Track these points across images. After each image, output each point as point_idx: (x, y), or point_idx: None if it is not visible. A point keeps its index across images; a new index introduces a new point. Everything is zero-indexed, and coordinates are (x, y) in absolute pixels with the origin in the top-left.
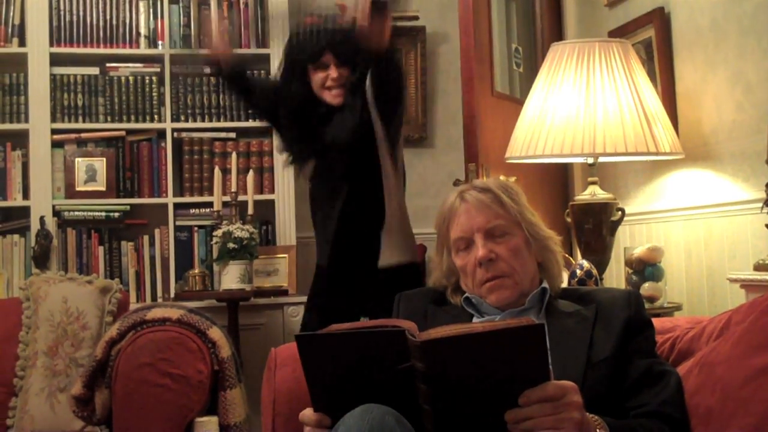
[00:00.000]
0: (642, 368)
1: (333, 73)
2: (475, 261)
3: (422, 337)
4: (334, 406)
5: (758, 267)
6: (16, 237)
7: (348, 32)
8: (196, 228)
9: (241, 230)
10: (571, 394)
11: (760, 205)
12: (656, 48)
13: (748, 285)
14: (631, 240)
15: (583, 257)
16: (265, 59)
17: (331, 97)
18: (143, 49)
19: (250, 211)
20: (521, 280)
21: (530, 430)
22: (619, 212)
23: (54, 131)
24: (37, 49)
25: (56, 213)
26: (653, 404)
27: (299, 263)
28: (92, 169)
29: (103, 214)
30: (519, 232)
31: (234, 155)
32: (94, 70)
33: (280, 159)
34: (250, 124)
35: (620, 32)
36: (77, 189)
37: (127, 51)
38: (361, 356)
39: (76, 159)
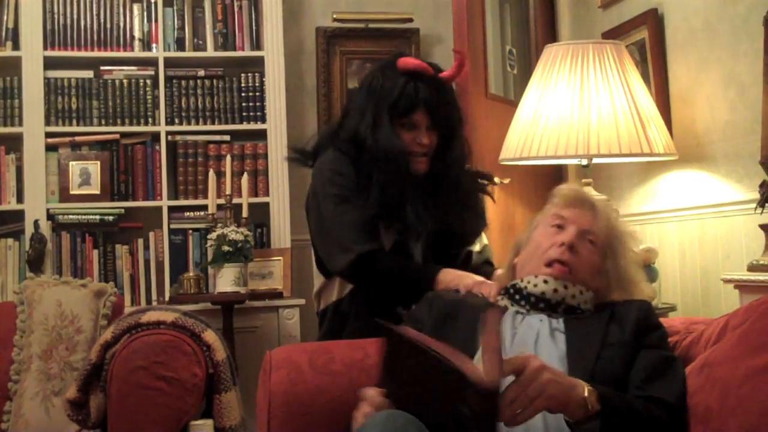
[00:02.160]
0: (652, 358)
1: (424, 137)
2: (558, 241)
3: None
4: (395, 398)
5: (752, 267)
6: (10, 241)
7: (448, 89)
8: (190, 231)
9: (235, 233)
10: (534, 376)
11: (754, 205)
12: (650, 49)
13: (742, 285)
14: None
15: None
16: (260, 62)
17: (417, 166)
18: (137, 53)
19: (245, 213)
20: (577, 283)
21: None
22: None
23: (48, 134)
24: (31, 52)
25: (50, 216)
26: (655, 390)
27: (294, 266)
28: (86, 173)
29: (98, 217)
30: (601, 256)
31: (228, 158)
32: (89, 74)
33: (274, 161)
34: (245, 126)
35: (614, 34)
36: (71, 192)
37: (122, 54)
38: (424, 371)
39: (71, 162)
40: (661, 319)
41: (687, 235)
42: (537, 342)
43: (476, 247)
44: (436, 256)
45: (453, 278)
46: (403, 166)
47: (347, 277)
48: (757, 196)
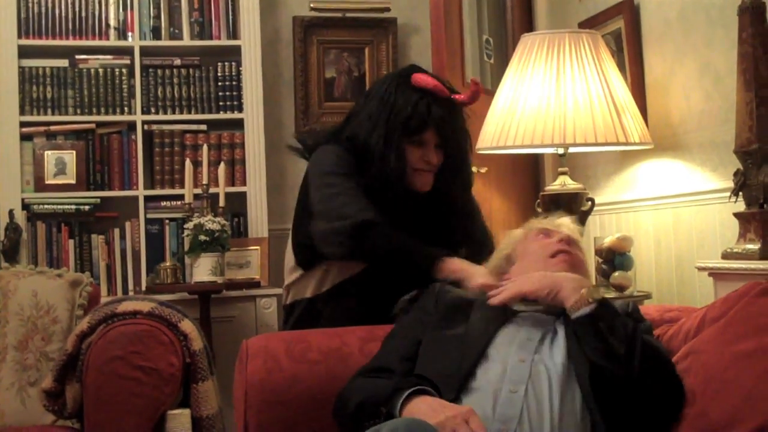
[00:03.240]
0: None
1: (432, 156)
2: (554, 239)
3: None
4: None
5: (726, 255)
6: None
7: (459, 111)
8: (167, 221)
9: (212, 222)
10: None
11: (728, 194)
12: (626, 39)
13: (716, 273)
14: (600, 229)
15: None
16: (237, 51)
17: (422, 183)
18: (113, 41)
19: (222, 203)
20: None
21: None
22: (589, 202)
23: (23, 124)
24: (5, 41)
25: (25, 206)
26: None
27: (271, 255)
28: (62, 162)
29: (73, 207)
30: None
31: (205, 147)
32: (63, 62)
33: (251, 151)
34: (221, 116)
35: (590, 23)
36: (47, 182)
37: (97, 43)
38: None
39: (46, 152)
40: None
41: (662, 224)
42: (544, 338)
43: None
44: None
45: (457, 270)
46: (399, 191)
47: (346, 244)
48: (731, 184)
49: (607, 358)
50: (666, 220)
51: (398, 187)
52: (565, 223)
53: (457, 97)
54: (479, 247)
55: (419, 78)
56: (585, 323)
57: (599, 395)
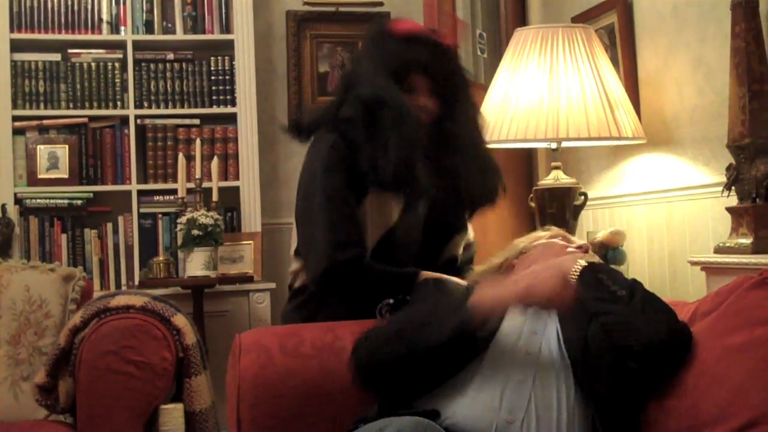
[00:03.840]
0: None
1: (426, 101)
2: (573, 245)
3: None
4: None
5: (718, 250)
6: None
7: (448, 52)
8: (160, 215)
9: (205, 217)
10: None
11: (721, 188)
12: (619, 33)
13: (708, 268)
14: (593, 224)
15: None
16: (230, 45)
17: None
18: (105, 35)
19: (215, 197)
20: None
21: None
22: (582, 197)
23: (15, 118)
24: None
25: (18, 201)
26: None
27: (264, 250)
28: (54, 157)
29: (66, 201)
30: None
31: (198, 142)
32: (56, 57)
33: (245, 145)
34: (215, 110)
35: (583, 18)
36: (39, 176)
37: (89, 37)
38: None
39: (38, 146)
40: None
41: (655, 218)
42: (546, 330)
43: (460, 250)
44: (439, 219)
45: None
46: (416, 123)
47: (318, 284)
48: (723, 179)
49: (610, 302)
50: (659, 214)
51: (413, 117)
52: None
53: (441, 38)
54: (490, 180)
55: (401, 25)
56: (588, 276)
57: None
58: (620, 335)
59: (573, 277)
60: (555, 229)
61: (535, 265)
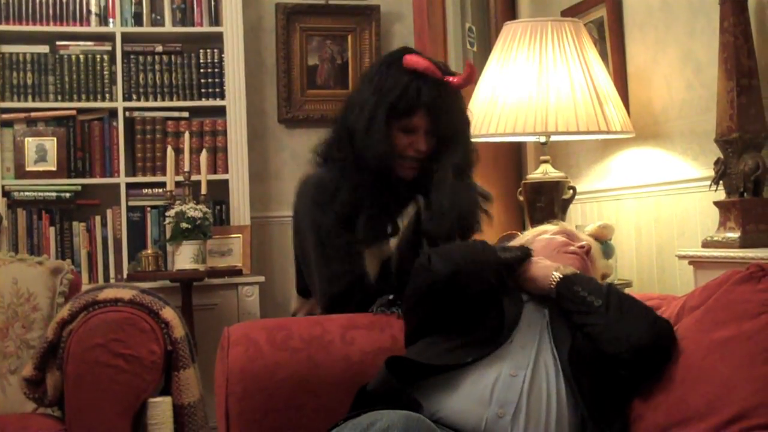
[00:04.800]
0: None
1: (422, 143)
2: (575, 244)
3: None
4: None
5: (706, 244)
6: None
7: (453, 94)
8: (148, 208)
9: (194, 210)
10: None
11: (709, 183)
12: (608, 27)
13: (696, 261)
14: (582, 218)
15: (523, 234)
16: (219, 38)
17: (405, 172)
18: (94, 27)
19: (204, 190)
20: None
21: None
22: (571, 190)
23: (3, 110)
24: None
25: (6, 193)
26: None
27: (253, 243)
28: (43, 149)
29: (54, 194)
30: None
31: (187, 135)
32: (44, 48)
33: (234, 138)
34: (203, 103)
35: (573, 12)
36: (27, 169)
37: (78, 29)
38: None
39: (26, 138)
40: None
41: (643, 212)
42: (543, 327)
43: None
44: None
45: None
46: (385, 173)
47: (327, 310)
48: (712, 173)
49: (588, 314)
50: (647, 208)
51: (382, 172)
52: (589, 239)
53: (450, 79)
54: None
55: (410, 59)
56: (564, 290)
57: (581, 373)
58: (605, 345)
59: (551, 288)
60: (562, 225)
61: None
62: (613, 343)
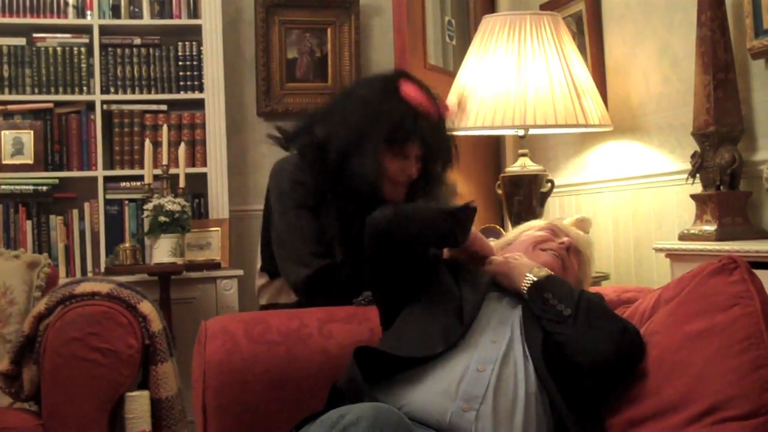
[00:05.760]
0: None
1: (413, 169)
2: (557, 240)
3: None
4: None
5: (683, 237)
6: None
7: (444, 124)
8: (126, 201)
9: (172, 203)
10: None
11: (686, 176)
12: (586, 21)
13: (673, 254)
14: (560, 211)
15: (514, 228)
16: (198, 31)
17: (393, 194)
18: (71, 19)
19: (182, 184)
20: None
21: None
22: (549, 184)
23: None
24: None
25: None
26: None
27: (232, 236)
28: (19, 142)
29: (31, 187)
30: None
31: (165, 128)
32: (21, 41)
33: (212, 131)
34: (182, 96)
35: (551, 5)
36: (4, 162)
37: (55, 21)
38: None
39: (3, 131)
40: (594, 288)
41: (621, 205)
42: (514, 322)
43: None
44: None
45: None
46: (372, 200)
47: (301, 291)
48: (688, 166)
49: (557, 322)
50: (625, 201)
51: (371, 197)
52: (577, 233)
53: (444, 111)
54: None
55: (409, 90)
56: (534, 296)
57: (554, 370)
58: (570, 354)
59: (523, 291)
60: (550, 221)
61: (510, 251)
62: (578, 354)
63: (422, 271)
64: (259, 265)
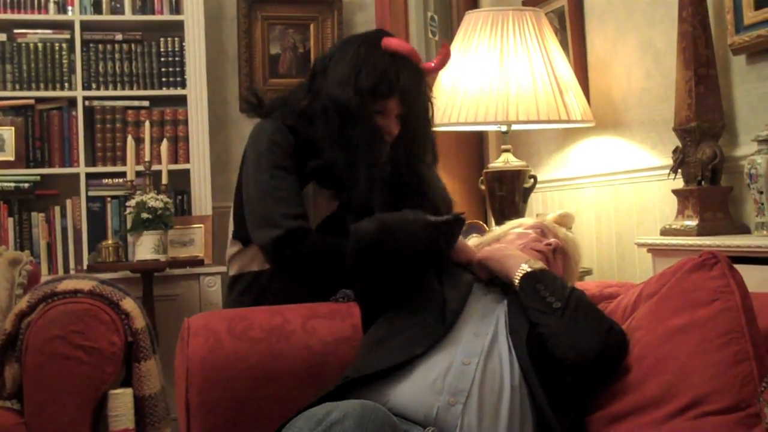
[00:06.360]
0: None
1: (394, 126)
2: (544, 240)
3: None
4: None
5: (665, 232)
6: None
7: (426, 81)
8: (109, 198)
9: (155, 200)
10: None
11: (667, 171)
12: (569, 17)
13: (654, 249)
14: (543, 206)
15: (497, 224)
16: (180, 26)
17: None
18: (52, 15)
19: (164, 180)
20: None
21: None
22: (532, 179)
23: None
24: None
25: None
26: None
27: (215, 233)
28: (0, 139)
29: (12, 184)
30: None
31: (147, 124)
32: (1, 37)
33: (195, 128)
34: (164, 92)
35: (534, 1)
36: None
37: (36, 17)
38: None
39: None
40: (577, 283)
41: (603, 201)
42: (499, 316)
43: None
44: None
45: None
46: (385, 147)
47: (269, 252)
48: (670, 162)
49: (544, 313)
50: (607, 196)
51: (380, 143)
52: (566, 234)
53: (427, 65)
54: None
55: (392, 42)
56: (526, 285)
57: (537, 364)
58: (554, 348)
59: (515, 281)
60: (539, 220)
61: (498, 244)
62: (561, 348)
63: (406, 280)
64: (230, 233)
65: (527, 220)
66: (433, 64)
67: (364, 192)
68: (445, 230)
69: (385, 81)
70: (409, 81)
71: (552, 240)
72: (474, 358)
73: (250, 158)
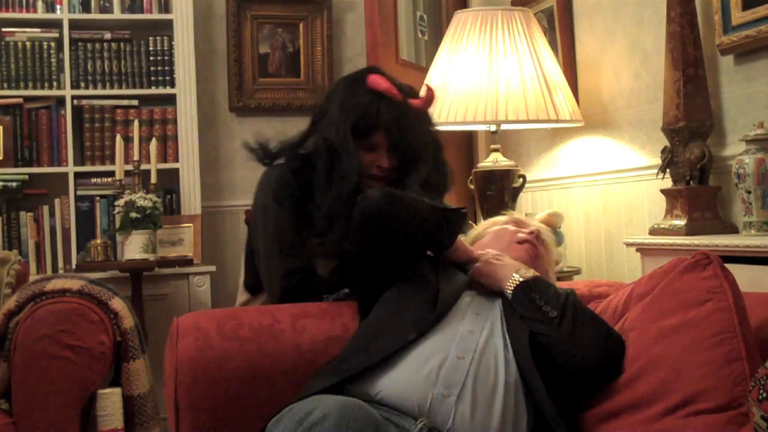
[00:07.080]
0: None
1: (383, 160)
2: (526, 230)
3: None
4: None
5: (653, 231)
6: None
7: (413, 114)
8: (97, 197)
9: (144, 199)
10: None
11: (656, 171)
12: (557, 17)
13: (643, 249)
14: (532, 206)
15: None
16: (169, 25)
17: (370, 186)
18: (41, 14)
19: (153, 179)
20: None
21: None
22: (521, 179)
23: None
24: None
25: None
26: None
27: (204, 232)
28: None
29: (0, 183)
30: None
31: (136, 123)
32: None
33: (184, 127)
34: (153, 91)
35: (523, 1)
36: None
37: (24, 15)
38: None
39: None
40: (566, 283)
41: (592, 200)
42: (493, 314)
43: None
44: None
45: None
46: (354, 188)
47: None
48: (659, 161)
49: (542, 323)
50: (596, 196)
51: (353, 187)
52: (540, 224)
53: (412, 102)
54: None
55: (373, 79)
56: (520, 296)
57: (537, 364)
58: (554, 356)
59: (508, 291)
60: (510, 214)
61: (491, 250)
62: (560, 357)
63: (405, 260)
64: (241, 279)
65: (500, 218)
66: (416, 103)
67: (324, 215)
68: (449, 217)
69: (366, 116)
70: (390, 115)
71: (533, 227)
72: (469, 354)
73: (257, 210)
